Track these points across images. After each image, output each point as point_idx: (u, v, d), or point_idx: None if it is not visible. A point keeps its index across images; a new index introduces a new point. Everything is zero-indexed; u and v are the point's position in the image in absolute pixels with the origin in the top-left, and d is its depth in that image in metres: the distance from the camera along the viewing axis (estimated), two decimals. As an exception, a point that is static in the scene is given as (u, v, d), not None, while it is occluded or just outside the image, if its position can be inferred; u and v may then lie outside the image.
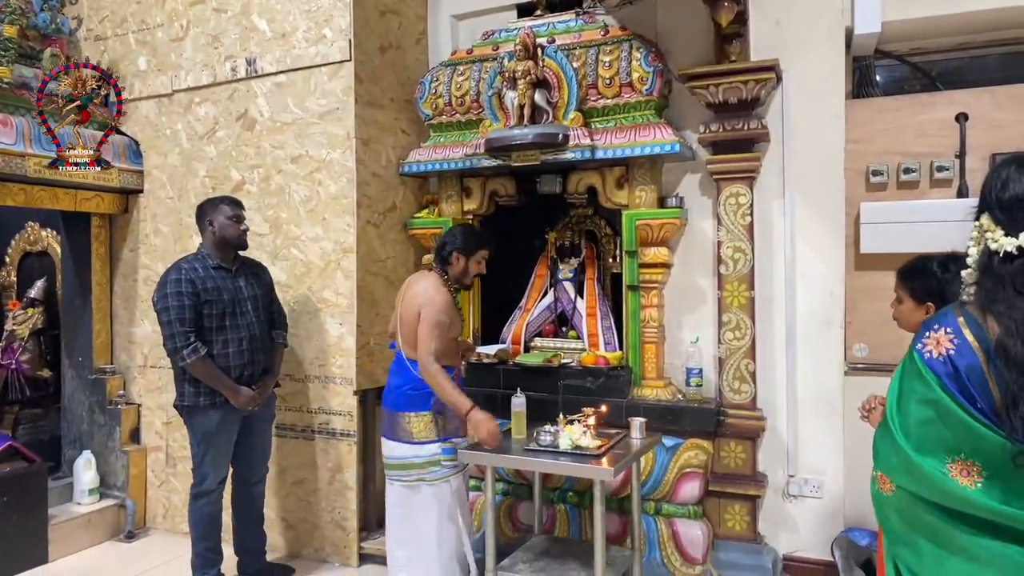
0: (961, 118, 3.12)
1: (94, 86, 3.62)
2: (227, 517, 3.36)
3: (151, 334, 4.06)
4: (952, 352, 1.27)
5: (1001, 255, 1.30)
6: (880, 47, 3.36)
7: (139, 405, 4.11)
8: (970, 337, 1.27)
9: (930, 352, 1.30)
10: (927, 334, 1.33)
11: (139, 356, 4.12)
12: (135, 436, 4.10)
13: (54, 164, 3.47)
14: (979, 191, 1.40)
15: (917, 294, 2.15)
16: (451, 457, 2.84)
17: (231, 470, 3.28)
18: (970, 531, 1.26)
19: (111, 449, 4.05)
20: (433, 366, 2.73)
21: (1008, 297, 1.26)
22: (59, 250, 4.34)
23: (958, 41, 3.32)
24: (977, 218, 1.37)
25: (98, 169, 3.63)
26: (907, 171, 3.18)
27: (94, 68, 3.68)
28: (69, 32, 4.00)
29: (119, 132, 4.10)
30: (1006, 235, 1.30)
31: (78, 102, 3.56)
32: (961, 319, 1.30)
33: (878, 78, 3.48)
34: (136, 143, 4.11)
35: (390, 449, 2.93)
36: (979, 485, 1.23)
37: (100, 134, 3.82)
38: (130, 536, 3.93)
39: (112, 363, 4.18)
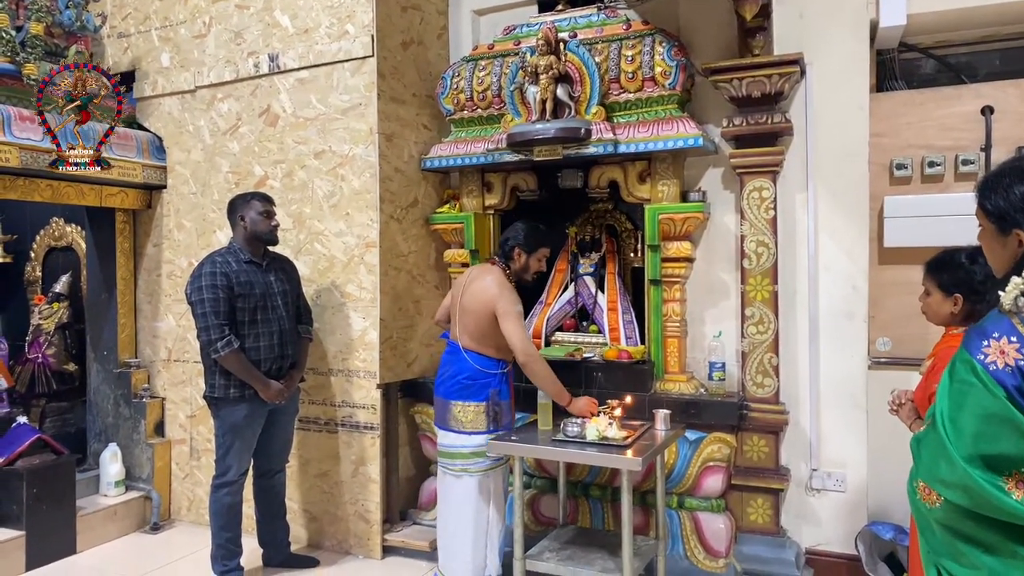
0: (987, 111, 3.11)
1: (94, 86, 3.62)
2: (250, 510, 3.40)
3: (175, 328, 4.11)
4: (1022, 362, 1.22)
5: None
6: (904, 40, 3.35)
7: (163, 399, 4.16)
8: None
9: (995, 363, 1.24)
10: (985, 343, 1.26)
11: (163, 350, 4.16)
12: (160, 429, 4.15)
13: (54, 163, 3.47)
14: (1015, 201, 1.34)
15: (945, 285, 2.16)
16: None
17: (252, 462, 3.31)
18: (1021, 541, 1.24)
19: (136, 442, 4.10)
20: (537, 359, 2.85)
21: None
22: (83, 245, 4.39)
23: (983, 33, 3.30)
24: None
25: (98, 169, 3.62)
26: (931, 165, 3.16)
27: (94, 68, 3.69)
28: (94, 29, 4.04)
29: (142, 128, 4.15)
30: None
31: (78, 102, 3.57)
32: (1022, 327, 1.25)
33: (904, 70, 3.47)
34: (159, 139, 4.15)
35: (441, 437, 3.00)
36: None
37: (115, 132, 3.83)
38: (156, 528, 3.98)
39: (136, 357, 4.23)
